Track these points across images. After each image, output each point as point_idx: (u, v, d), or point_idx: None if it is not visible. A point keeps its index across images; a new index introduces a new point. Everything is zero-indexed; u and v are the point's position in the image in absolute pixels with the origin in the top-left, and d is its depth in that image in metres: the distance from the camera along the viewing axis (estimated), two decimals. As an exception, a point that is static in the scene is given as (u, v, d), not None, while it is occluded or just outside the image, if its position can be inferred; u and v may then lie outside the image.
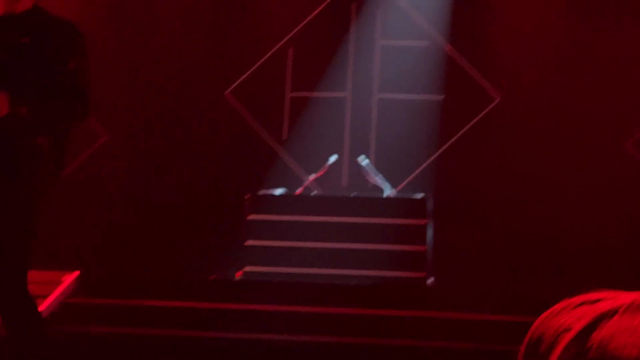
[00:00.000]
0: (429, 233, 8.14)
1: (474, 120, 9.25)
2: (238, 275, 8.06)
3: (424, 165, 9.25)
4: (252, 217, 8.17)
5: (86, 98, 4.49)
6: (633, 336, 0.95)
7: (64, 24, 4.57)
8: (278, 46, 9.60)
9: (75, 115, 4.51)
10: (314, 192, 8.75)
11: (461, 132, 9.27)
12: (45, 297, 7.41)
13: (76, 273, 7.83)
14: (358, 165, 8.80)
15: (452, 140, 9.28)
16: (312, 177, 8.72)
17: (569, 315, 1.01)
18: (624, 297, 1.00)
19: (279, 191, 8.48)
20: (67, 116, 4.49)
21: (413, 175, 9.21)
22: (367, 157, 8.95)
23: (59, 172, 4.60)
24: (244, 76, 9.55)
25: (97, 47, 9.09)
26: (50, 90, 4.38)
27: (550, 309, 1.05)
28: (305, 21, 9.63)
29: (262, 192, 8.44)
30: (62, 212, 8.94)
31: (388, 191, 8.51)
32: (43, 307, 7.27)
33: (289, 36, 9.60)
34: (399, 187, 8.99)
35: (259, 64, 9.59)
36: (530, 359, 1.02)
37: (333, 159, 8.75)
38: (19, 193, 4.40)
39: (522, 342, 1.06)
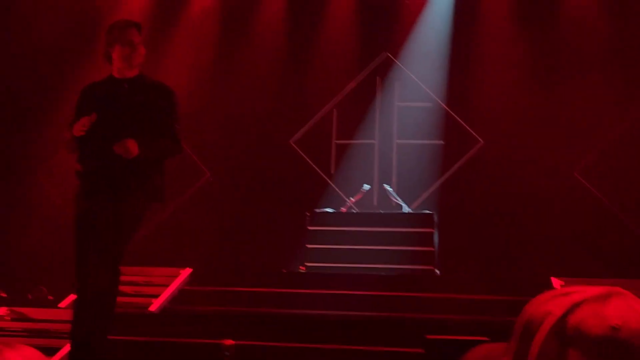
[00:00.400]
0: (435, 238, 8.10)
1: (465, 157, 9.23)
2: (302, 269, 8.09)
3: (431, 190, 9.23)
4: (311, 227, 8.20)
5: (180, 142, 4.40)
6: (597, 319, 1.01)
7: (163, 87, 4.43)
8: (326, 108, 9.67)
9: (173, 154, 4.43)
10: (354, 210, 8.79)
11: (456, 165, 9.25)
12: (167, 286, 7.48)
13: (189, 269, 7.87)
14: (384, 191, 8.83)
15: (450, 171, 9.26)
16: (352, 199, 8.77)
17: (551, 303, 1.05)
18: (590, 291, 1.05)
19: (329, 209, 8.52)
20: (167, 155, 4.40)
21: (423, 197, 9.20)
22: (390, 185, 8.99)
23: (158, 197, 4.50)
24: (303, 129, 9.63)
25: (200, 104, 9.27)
26: (155, 137, 4.25)
27: (537, 298, 1.10)
28: (345, 90, 9.71)
29: (318, 210, 8.46)
30: (183, 225, 9.11)
31: (406, 209, 8.53)
32: (166, 293, 7.38)
33: (334, 100, 9.67)
34: (414, 206, 9.00)
35: (312, 120, 9.66)
36: (523, 336, 1.06)
37: (366, 186, 8.80)
38: (136, 201, 4.24)
39: (515, 321, 1.11)
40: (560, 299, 1.04)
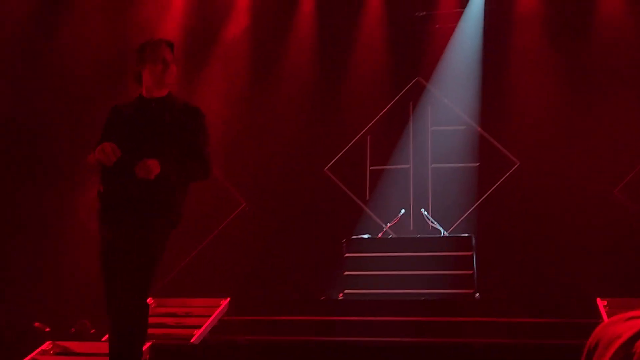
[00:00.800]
0: (474, 261, 8.01)
1: (502, 179, 9.15)
2: (340, 297, 8.04)
3: (467, 213, 9.16)
4: (348, 254, 8.16)
5: (209, 164, 4.16)
6: None
7: (193, 108, 4.23)
8: (360, 134, 9.68)
9: (201, 177, 4.16)
10: (391, 235, 8.73)
11: (492, 188, 9.17)
12: (208, 316, 7.46)
13: (228, 299, 7.86)
14: (421, 215, 8.77)
15: (487, 194, 9.18)
16: (388, 225, 8.72)
17: (620, 326, 1.02)
18: None
19: (366, 236, 8.48)
20: (195, 177, 4.16)
21: (460, 220, 9.12)
22: (427, 209, 8.92)
23: (180, 218, 4.18)
24: (337, 156, 9.65)
25: (234, 133, 9.33)
26: (183, 157, 4.07)
27: (606, 321, 1.07)
28: (379, 116, 9.72)
29: (354, 237, 8.43)
30: (221, 255, 9.12)
31: (443, 232, 8.45)
32: (206, 324, 7.37)
33: (367, 127, 9.69)
34: (450, 230, 8.92)
35: (347, 147, 9.68)
36: (590, 358, 1.03)
37: (402, 212, 8.75)
38: (160, 228, 4.01)
39: (583, 345, 1.08)
40: (630, 322, 1.01)
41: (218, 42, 9.83)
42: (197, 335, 7.00)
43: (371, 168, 9.57)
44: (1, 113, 8.26)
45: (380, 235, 8.58)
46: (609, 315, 6.23)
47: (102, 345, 6.44)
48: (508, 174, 9.12)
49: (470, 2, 9.57)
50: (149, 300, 4.15)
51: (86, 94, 8.56)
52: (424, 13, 9.78)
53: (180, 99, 4.33)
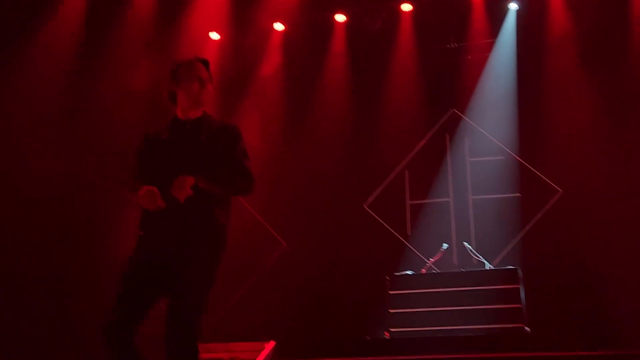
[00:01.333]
0: (522, 294, 7.83)
1: (545, 208, 8.98)
2: (386, 335, 7.90)
3: (512, 244, 8.98)
4: (392, 292, 8.04)
5: (251, 176, 4.00)
6: None
7: (229, 126, 4.10)
8: (398, 169, 9.62)
9: (243, 187, 4.00)
10: (434, 271, 8.59)
11: (536, 218, 9.01)
12: (253, 360, 7.44)
13: (273, 342, 7.80)
14: (464, 249, 8.63)
15: (531, 224, 9.01)
16: (431, 260, 8.59)
17: None
18: None
19: (409, 272, 8.35)
20: (236, 187, 3.99)
21: (504, 252, 8.95)
22: (469, 242, 8.78)
23: (225, 243, 3.98)
24: (376, 192, 9.59)
25: (272, 173, 9.35)
26: (222, 175, 3.92)
27: None
28: (415, 150, 9.67)
29: (397, 273, 8.31)
30: (263, 298, 9.07)
31: (488, 265, 8.29)
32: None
33: (404, 161, 9.64)
34: (495, 262, 8.75)
35: (385, 183, 9.62)
36: None
37: (445, 246, 8.62)
38: (207, 252, 3.84)
39: None
40: None
41: (252, 81, 9.93)
42: (243, 380, 6.95)
43: (411, 202, 9.49)
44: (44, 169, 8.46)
45: (423, 270, 8.45)
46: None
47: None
48: (551, 202, 8.95)
49: (501, 32, 9.53)
50: None
51: (126, 139, 8.69)
52: (456, 45, 9.75)
53: (216, 118, 4.19)
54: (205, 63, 4.14)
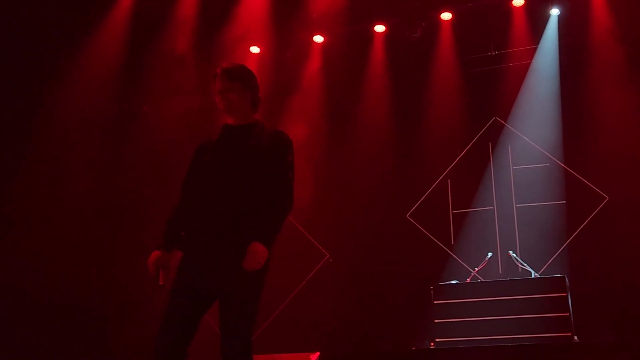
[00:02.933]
0: (569, 302, 7.73)
1: (591, 216, 8.87)
2: (432, 345, 7.87)
3: (558, 252, 8.89)
4: (437, 301, 8.01)
5: (291, 192, 3.99)
6: None
7: (277, 133, 4.13)
8: (440, 178, 9.61)
9: (286, 213, 3.97)
10: (479, 280, 8.54)
11: (583, 225, 8.90)
12: (298, 371, 7.47)
13: (317, 353, 7.82)
14: (509, 258, 8.57)
15: (577, 231, 8.91)
16: (476, 269, 8.55)
17: None
18: None
19: (454, 281, 8.32)
20: (283, 218, 3.96)
21: (550, 260, 8.86)
22: (514, 250, 8.72)
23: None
24: (419, 202, 9.59)
25: (314, 184, 9.41)
26: (269, 184, 3.94)
27: None
28: (458, 158, 9.64)
29: (441, 283, 8.28)
30: (307, 309, 9.11)
31: (533, 274, 8.22)
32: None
33: (447, 170, 9.62)
34: (541, 270, 8.67)
35: (427, 192, 9.61)
36: None
37: (490, 255, 8.57)
38: (252, 274, 3.79)
39: None
40: None
41: (293, 94, 10.03)
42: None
43: (454, 212, 9.46)
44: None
45: (468, 280, 8.41)
46: None
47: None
48: (598, 209, 8.83)
49: (543, 38, 9.47)
50: None
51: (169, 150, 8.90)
52: (497, 52, 9.72)
53: (266, 125, 4.24)
54: (226, 72, 4.15)
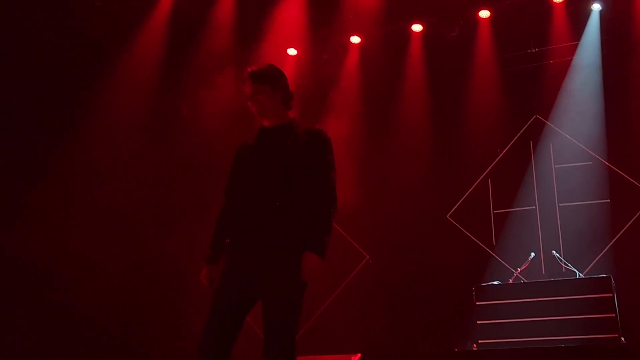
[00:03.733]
0: (615, 303, 7.58)
1: (638, 214, 8.70)
2: (475, 347, 7.80)
3: (603, 252, 8.73)
4: (479, 303, 7.94)
5: (333, 192, 4.00)
6: None
7: (315, 131, 4.09)
8: (480, 178, 9.52)
9: (332, 216, 4.00)
10: (522, 280, 8.44)
11: (628, 224, 8.73)
12: (340, 374, 7.46)
13: (359, 355, 7.80)
14: (552, 258, 8.45)
15: (623, 230, 8.75)
16: (519, 270, 8.45)
17: None
18: None
19: (496, 282, 8.23)
20: (331, 222, 3.97)
21: (595, 260, 8.71)
22: (558, 250, 8.59)
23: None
24: (459, 202, 9.52)
25: (353, 186, 9.39)
26: (311, 184, 3.95)
27: None
28: (498, 158, 9.55)
29: (484, 284, 8.20)
30: (348, 310, 9.10)
31: (578, 274, 8.09)
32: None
33: (487, 170, 9.52)
34: (585, 271, 8.52)
35: (468, 192, 9.53)
36: None
37: (532, 255, 8.47)
38: (294, 277, 3.82)
39: None
40: None
41: (331, 96, 10.04)
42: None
43: (495, 212, 9.36)
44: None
45: (511, 280, 8.31)
46: None
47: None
48: (644, 207, 8.67)
49: (584, 34, 9.32)
50: None
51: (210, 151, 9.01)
52: (536, 49, 9.60)
53: (304, 125, 4.21)
54: (252, 75, 4.14)
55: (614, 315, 7.47)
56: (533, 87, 9.58)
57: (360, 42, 10.09)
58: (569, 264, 8.22)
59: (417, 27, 9.86)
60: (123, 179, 9.14)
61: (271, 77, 4.17)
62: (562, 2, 9.26)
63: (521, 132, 9.59)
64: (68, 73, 9.02)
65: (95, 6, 8.83)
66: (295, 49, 10.09)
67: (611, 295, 7.57)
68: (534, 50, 9.63)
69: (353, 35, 10.01)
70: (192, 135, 9.61)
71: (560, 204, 9.17)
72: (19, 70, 8.61)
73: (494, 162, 9.57)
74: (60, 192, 8.90)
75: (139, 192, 9.26)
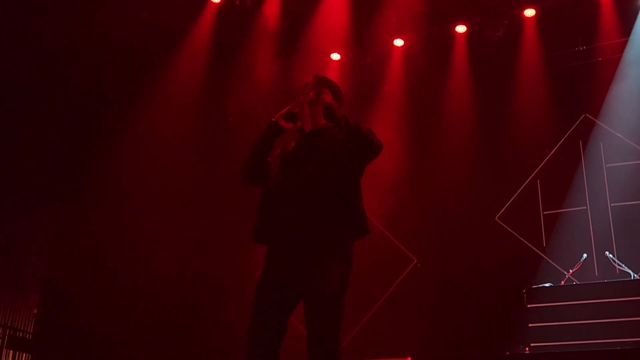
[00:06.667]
0: (673, 304, 7.41)
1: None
2: (527, 350, 7.69)
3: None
4: (530, 305, 7.83)
5: (371, 142, 3.97)
6: None
7: (354, 126, 3.96)
8: (529, 179, 9.41)
9: (369, 144, 3.96)
10: (574, 282, 8.30)
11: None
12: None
13: (409, 358, 7.79)
14: (605, 259, 8.30)
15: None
16: (571, 271, 8.31)
17: None
18: None
19: (547, 284, 8.11)
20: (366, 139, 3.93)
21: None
22: (611, 251, 8.43)
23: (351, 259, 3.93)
24: (507, 204, 9.41)
25: (401, 190, 9.40)
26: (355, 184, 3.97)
27: None
28: (547, 158, 9.42)
29: (535, 286, 8.08)
30: (396, 313, 9.09)
31: (633, 275, 7.92)
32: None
33: (536, 170, 9.40)
34: (640, 272, 8.35)
35: (517, 193, 9.42)
36: None
37: (584, 256, 8.33)
38: (336, 273, 3.80)
39: None
40: None
41: (375, 100, 10.04)
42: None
43: (545, 213, 9.23)
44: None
45: (563, 282, 8.18)
46: None
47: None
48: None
49: (634, 30, 9.15)
50: None
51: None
52: (584, 47, 9.45)
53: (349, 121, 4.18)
54: (316, 78, 4.28)
55: (671, 316, 7.31)
56: (581, 85, 9.43)
57: (403, 45, 10.07)
58: (623, 265, 8.05)
59: (461, 28, 9.80)
60: (175, 184, 9.35)
61: (332, 84, 4.32)
62: (609, -2, 9.11)
63: (570, 131, 9.45)
64: (119, 83, 9.28)
65: (142, 18, 9.00)
66: (338, 53, 10.12)
67: (669, 296, 7.40)
68: (581, 48, 9.48)
69: (396, 38, 9.99)
70: (239, 142, 9.73)
71: (612, 204, 9.00)
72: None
73: (543, 162, 9.44)
74: (116, 194, 9.19)
75: (190, 198, 9.47)
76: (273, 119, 4.11)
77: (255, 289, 3.91)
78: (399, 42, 10.06)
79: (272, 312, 3.82)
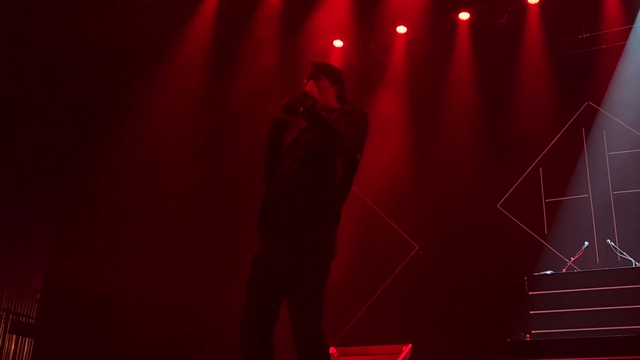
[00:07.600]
0: (673, 291, 7.41)
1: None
2: (528, 337, 7.71)
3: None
4: (532, 292, 7.84)
5: (341, 136, 3.84)
6: None
7: (348, 110, 4.07)
8: (531, 167, 9.40)
9: (338, 140, 3.85)
10: (576, 270, 8.31)
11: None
12: (391, 363, 7.48)
13: (410, 345, 7.82)
14: (606, 246, 8.30)
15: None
16: (572, 259, 8.32)
17: None
18: None
19: (549, 272, 8.12)
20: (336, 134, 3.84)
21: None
22: (613, 239, 8.43)
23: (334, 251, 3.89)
24: (509, 191, 9.40)
25: (403, 177, 9.40)
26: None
27: None
28: (549, 146, 9.40)
29: (536, 273, 8.09)
30: (397, 301, 9.11)
31: (634, 263, 7.92)
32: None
33: (538, 158, 9.39)
34: (642, 259, 8.36)
35: (519, 181, 9.41)
36: None
37: (586, 244, 8.33)
38: (313, 263, 3.77)
39: None
40: None
41: (378, 86, 10.02)
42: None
43: (547, 200, 9.22)
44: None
45: (564, 270, 8.19)
46: None
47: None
48: (702, 194, 8.44)
49: (638, 17, 9.10)
50: (332, 350, 4.01)
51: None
52: (588, 34, 9.41)
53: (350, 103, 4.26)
54: (312, 65, 4.26)
55: (672, 304, 7.32)
56: (584, 73, 9.40)
57: (406, 32, 10.03)
58: (625, 253, 8.06)
59: (464, 15, 9.76)
60: (175, 175, 9.34)
61: (329, 68, 4.28)
62: (614, -15, 9.07)
63: (573, 119, 9.43)
64: (119, 71, 9.24)
65: (144, 4, 8.97)
66: (341, 40, 10.09)
67: (670, 283, 7.41)
68: (585, 36, 9.44)
69: (399, 25, 9.96)
70: (242, 131, 9.71)
71: (614, 192, 8.99)
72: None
73: (545, 150, 9.42)
74: (114, 189, 9.16)
75: (190, 187, 9.46)
76: (274, 116, 4.10)
77: (246, 280, 3.93)
78: (402, 29, 10.02)
79: (261, 300, 3.83)
